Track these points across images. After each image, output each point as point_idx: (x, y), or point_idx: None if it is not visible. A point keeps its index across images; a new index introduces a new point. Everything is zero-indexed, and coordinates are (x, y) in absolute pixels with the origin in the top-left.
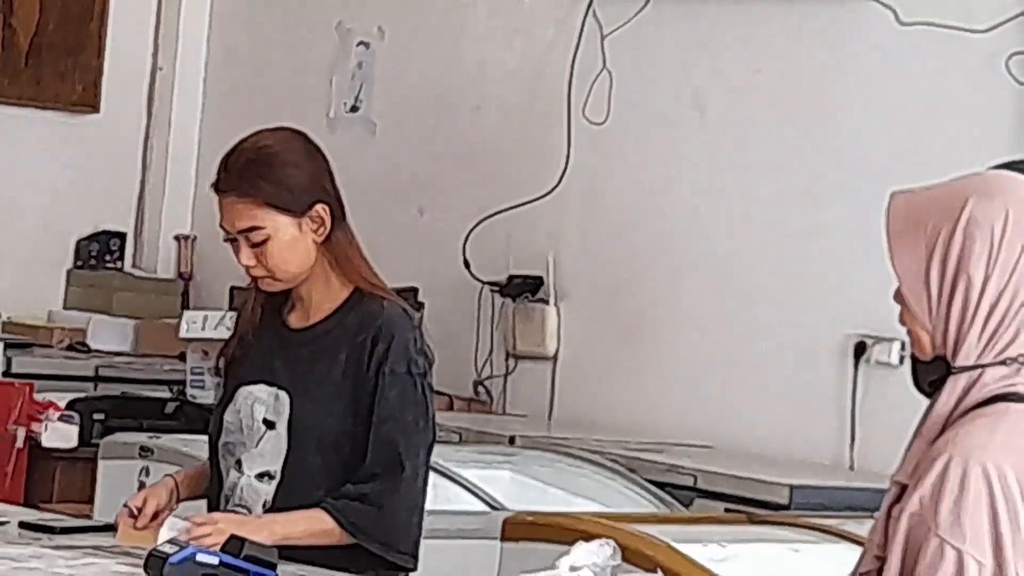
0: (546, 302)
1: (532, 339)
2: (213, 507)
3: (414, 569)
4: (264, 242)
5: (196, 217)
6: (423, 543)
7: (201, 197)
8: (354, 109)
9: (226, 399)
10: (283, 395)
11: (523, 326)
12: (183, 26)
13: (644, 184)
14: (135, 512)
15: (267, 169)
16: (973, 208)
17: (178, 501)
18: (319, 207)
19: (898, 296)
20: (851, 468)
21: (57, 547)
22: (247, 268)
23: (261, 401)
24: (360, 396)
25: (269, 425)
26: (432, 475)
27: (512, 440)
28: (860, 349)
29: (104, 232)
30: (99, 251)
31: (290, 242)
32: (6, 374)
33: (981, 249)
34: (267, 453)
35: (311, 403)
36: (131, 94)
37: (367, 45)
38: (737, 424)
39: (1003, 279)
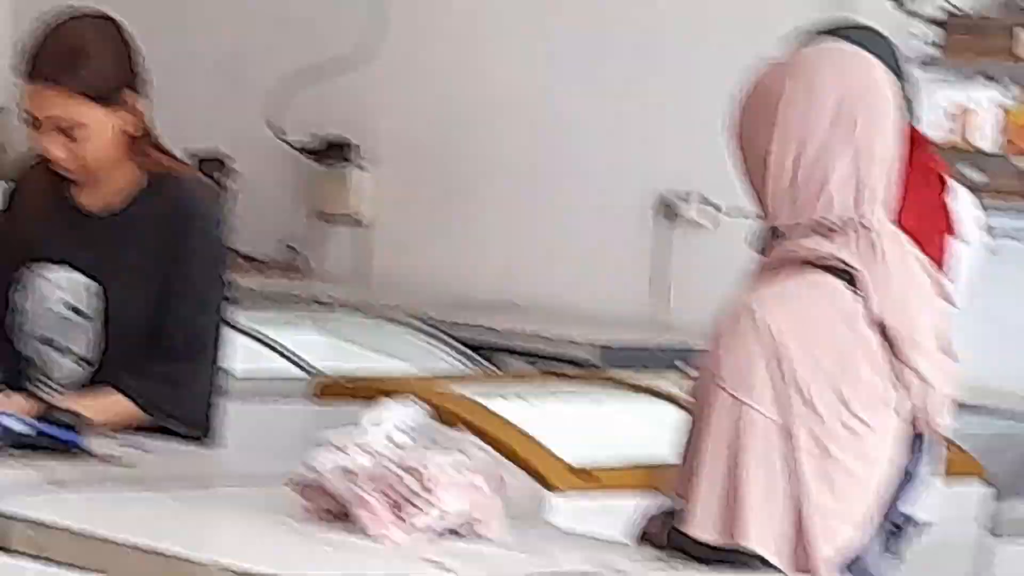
0: (361, 168)
1: (345, 203)
2: (26, 384)
3: (205, 437)
4: (76, 131)
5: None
6: (236, 407)
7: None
8: None
9: (10, 276)
10: (93, 285)
11: (336, 190)
12: None
13: (461, 49)
14: None
15: (83, 59)
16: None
17: None
18: (131, 96)
19: None
20: (666, 327)
21: None
22: (56, 157)
23: (63, 288)
24: (171, 280)
25: (82, 315)
26: (244, 338)
27: (325, 303)
28: (671, 209)
29: None
30: None
31: (101, 132)
32: None
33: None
34: (82, 342)
35: (127, 293)
36: None
37: None
38: (552, 285)
39: (784, 142)
